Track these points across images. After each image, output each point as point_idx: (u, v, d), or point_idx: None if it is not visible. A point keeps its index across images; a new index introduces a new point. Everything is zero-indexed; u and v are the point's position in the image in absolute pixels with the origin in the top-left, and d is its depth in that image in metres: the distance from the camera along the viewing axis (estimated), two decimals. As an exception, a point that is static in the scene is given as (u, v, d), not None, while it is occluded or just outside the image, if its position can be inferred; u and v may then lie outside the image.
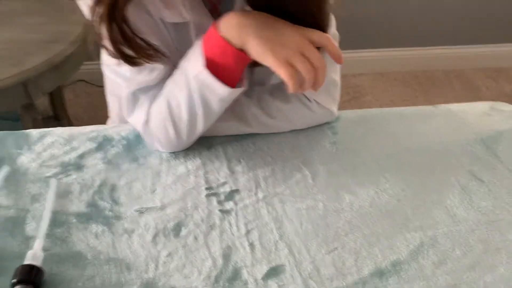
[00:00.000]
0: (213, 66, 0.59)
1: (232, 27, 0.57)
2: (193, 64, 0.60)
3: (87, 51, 1.31)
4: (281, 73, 0.56)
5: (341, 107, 0.75)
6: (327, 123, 0.76)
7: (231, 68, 0.60)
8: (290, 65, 0.56)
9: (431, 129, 0.75)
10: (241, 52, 0.58)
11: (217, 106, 0.63)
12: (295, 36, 0.57)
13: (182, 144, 0.68)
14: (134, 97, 0.65)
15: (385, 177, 0.66)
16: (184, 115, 0.63)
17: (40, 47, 1.21)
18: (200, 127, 0.65)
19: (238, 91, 0.62)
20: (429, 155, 0.70)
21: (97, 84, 1.88)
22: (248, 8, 0.61)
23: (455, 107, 0.80)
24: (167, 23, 0.63)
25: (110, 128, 0.73)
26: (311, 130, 0.74)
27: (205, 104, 0.62)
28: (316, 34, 0.58)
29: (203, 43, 0.60)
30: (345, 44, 2.15)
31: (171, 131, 0.65)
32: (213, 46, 0.59)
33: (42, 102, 1.24)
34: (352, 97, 2.05)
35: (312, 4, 0.58)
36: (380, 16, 1.99)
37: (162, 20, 0.63)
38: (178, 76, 0.63)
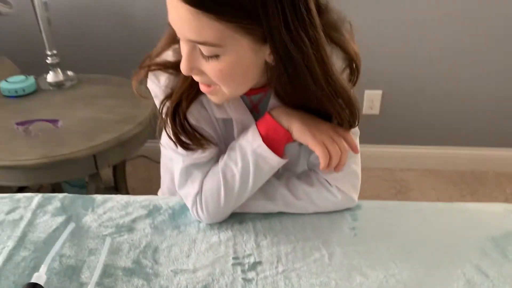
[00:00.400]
0: (266, 142, 0.74)
1: (282, 114, 0.74)
2: (251, 140, 0.75)
3: (151, 132, 1.50)
4: (317, 150, 0.72)
5: (386, 200, 0.85)
6: (349, 209, 0.85)
7: (279, 143, 0.75)
8: (324, 146, 0.72)
9: (444, 223, 0.82)
10: (288, 131, 0.73)
11: (266, 175, 0.77)
12: (327, 127, 0.74)
13: (225, 214, 0.80)
14: (187, 172, 0.78)
15: (395, 263, 0.73)
16: (236, 184, 0.76)
17: (111, 125, 1.41)
18: (246, 195, 0.78)
19: (284, 160, 0.76)
20: (439, 247, 0.76)
21: (155, 160, 2.08)
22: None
23: (471, 205, 0.87)
24: (217, 118, 0.78)
25: (160, 199, 0.86)
26: (333, 215, 0.83)
27: (257, 173, 0.75)
28: (340, 128, 0.74)
29: (258, 125, 0.75)
30: (393, 139, 2.24)
31: (222, 200, 0.77)
32: (267, 127, 0.74)
33: (106, 173, 1.41)
34: (398, 191, 2.10)
35: (331, 107, 0.71)
36: (431, 114, 2.08)
37: (213, 115, 0.78)
38: (233, 153, 0.76)
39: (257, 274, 0.71)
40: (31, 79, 1.61)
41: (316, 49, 0.61)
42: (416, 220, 0.83)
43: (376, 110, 2.09)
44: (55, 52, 1.62)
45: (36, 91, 1.62)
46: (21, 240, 0.76)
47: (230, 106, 0.77)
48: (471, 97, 2.03)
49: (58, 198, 0.85)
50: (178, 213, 0.82)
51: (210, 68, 0.64)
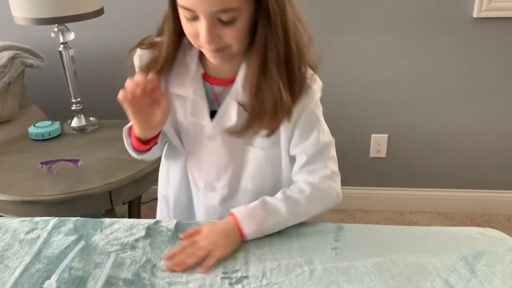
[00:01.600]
0: None
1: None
2: None
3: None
4: None
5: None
6: (333, 231, 0.92)
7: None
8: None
9: (421, 244, 0.88)
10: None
11: None
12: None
13: None
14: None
15: (370, 278, 0.80)
16: None
17: (127, 165, 1.53)
18: None
19: None
20: (412, 264, 0.83)
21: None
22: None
23: (448, 229, 0.93)
24: (172, 93, 0.93)
25: (161, 222, 0.95)
26: (318, 235, 0.91)
27: None
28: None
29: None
30: (402, 181, 2.29)
31: None
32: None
33: (121, 209, 1.52)
34: (407, 233, 2.13)
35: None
36: (438, 156, 2.14)
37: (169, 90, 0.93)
38: None
39: (243, 287, 0.79)
40: (56, 124, 1.77)
41: (292, 16, 0.82)
42: (395, 242, 0.89)
43: (383, 153, 2.17)
44: (79, 100, 1.78)
45: (60, 135, 1.77)
46: (37, 255, 0.86)
47: (191, 86, 0.91)
48: (477, 140, 2.09)
49: (71, 221, 0.95)
50: (176, 236, 0.91)
51: (230, 31, 0.80)
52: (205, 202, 1.02)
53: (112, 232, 0.92)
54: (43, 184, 1.46)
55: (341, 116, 2.09)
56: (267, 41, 0.82)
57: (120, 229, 0.92)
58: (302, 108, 0.90)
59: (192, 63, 0.92)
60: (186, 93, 0.93)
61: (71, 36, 1.68)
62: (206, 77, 0.93)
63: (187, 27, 0.82)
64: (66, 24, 1.65)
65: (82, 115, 1.80)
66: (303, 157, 0.94)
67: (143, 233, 0.91)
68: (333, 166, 0.97)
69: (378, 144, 2.16)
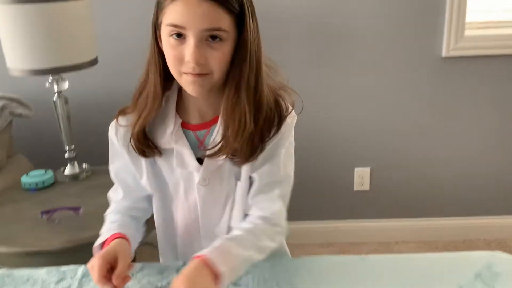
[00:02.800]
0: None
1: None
2: None
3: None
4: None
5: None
6: (305, 267, 0.96)
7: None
8: None
9: (427, 270, 0.94)
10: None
11: None
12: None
13: None
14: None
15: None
16: None
17: (129, 210, 1.53)
18: None
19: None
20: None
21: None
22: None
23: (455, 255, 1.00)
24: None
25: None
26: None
27: None
28: None
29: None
30: (386, 212, 2.37)
31: None
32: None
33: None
34: (393, 263, 2.19)
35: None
36: (419, 186, 2.24)
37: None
38: None
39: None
40: (50, 173, 1.76)
41: (258, 47, 0.89)
42: (415, 270, 0.95)
43: (366, 186, 2.26)
44: (73, 147, 1.78)
45: (54, 183, 1.75)
46: (73, 304, 0.86)
47: (173, 138, 0.94)
48: (457, 169, 2.22)
49: (100, 268, 0.96)
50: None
51: (215, 55, 0.85)
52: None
53: (144, 277, 0.93)
54: (44, 234, 1.44)
55: (324, 151, 2.19)
56: (243, 70, 0.88)
57: (152, 273, 0.94)
58: (274, 138, 0.94)
59: (170, 113, 0.96)
60: (169, 145, 0.96)
61: (65, 85, 1.70)
62: (185, 125, 0.97)
63: (171, 52, 0.86)
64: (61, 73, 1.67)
65: (75, 162, 1.80)
66: (257, 183, 0.96)
67: (175, 275, 0.93)
68: (282, 203, 0.99)
69: (361, 177, 2.25)
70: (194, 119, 0.97)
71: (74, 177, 1.78)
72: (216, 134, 0.94)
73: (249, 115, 0.89)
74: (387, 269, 0.95)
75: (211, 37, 0.84)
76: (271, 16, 1.94)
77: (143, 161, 0.99)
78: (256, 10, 0.89)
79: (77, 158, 1.81)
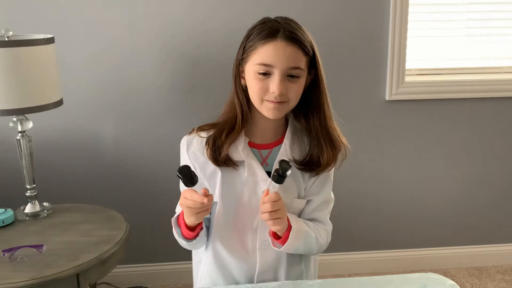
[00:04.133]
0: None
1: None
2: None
3: (124, 251, 1.67)
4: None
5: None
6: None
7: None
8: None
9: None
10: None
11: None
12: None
13: None
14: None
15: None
16: None
17: (92, 247, 1.57)
18: None
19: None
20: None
21: (116, 286, 2.20)
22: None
23: (396, 276, 1.13)
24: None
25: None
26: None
27: None
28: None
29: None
30: (345, 246, 2.46)
31: None
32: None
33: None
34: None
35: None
36: (372, 221, 2.39)
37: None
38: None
39: None
40: (10, 211, 1.76)
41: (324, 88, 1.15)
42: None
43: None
44: (34, 186, 1.80)
45: (14, 222, 1.76)
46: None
47: (244, 152, 1.15)
48: (408, 202, 2.39)
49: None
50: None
51: (293, 87, 1.08)
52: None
53: None
54: (7, 272, 1.44)
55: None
56: (320, 101, 1.15)
57: None
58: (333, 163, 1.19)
59: (240, 134, 1.16)
60: (241, 158, 1.15)
61: (29, 125, 1.74)
62: (251, 144, 1.18)
63: (257, 84, 1.07)
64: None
65: (36, 201, 1.82)
66: (315, 202, 1.21)
67: None
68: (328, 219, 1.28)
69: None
70: (258, 140, 1.18)
71: (34, 215, 1.80)
72: (285, 152, 1.17)
73: (337, 133, 1.20)
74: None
75: (290, 75, 1.06)
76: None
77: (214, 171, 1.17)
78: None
79: (38, 197, 1.83)
